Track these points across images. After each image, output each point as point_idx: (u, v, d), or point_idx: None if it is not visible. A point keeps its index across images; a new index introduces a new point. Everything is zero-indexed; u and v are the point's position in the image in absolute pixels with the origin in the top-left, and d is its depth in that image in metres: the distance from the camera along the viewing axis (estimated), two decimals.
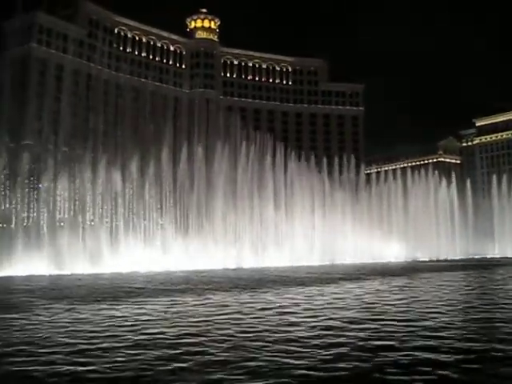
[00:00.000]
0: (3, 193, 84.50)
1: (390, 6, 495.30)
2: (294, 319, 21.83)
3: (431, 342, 16.26)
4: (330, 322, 20.73)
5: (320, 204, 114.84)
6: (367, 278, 51.42)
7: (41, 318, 23.21)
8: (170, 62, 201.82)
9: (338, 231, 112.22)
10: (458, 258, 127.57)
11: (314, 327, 19.46)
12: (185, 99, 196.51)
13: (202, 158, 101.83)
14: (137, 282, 48.86)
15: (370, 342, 16.33)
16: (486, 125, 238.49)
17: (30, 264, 67.80)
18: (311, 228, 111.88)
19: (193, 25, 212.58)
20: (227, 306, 27.20)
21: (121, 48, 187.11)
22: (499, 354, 14.69)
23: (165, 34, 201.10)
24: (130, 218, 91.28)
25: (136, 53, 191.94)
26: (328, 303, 27.65)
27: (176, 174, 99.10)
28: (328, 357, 14.30)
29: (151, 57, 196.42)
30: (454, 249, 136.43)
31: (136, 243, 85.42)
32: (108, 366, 13.59)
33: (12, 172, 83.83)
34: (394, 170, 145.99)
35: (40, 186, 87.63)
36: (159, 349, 15.72)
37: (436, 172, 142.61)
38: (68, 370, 13.34)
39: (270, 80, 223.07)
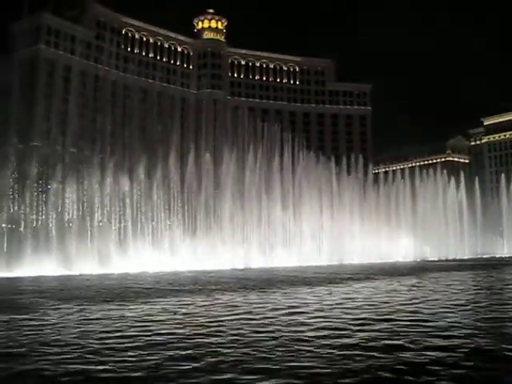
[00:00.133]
0: (12, 196, 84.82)
1: (390, 6, 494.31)
2: (304, 319, 21.80)
3: (442, 342, 16.20)
4: (341, 322, 20.69)
5: (328, 204, 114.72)
6: (376, 277, 51.29)
7: (51, 318, 23.28)
8: (178, 63, 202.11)
9: (346, 231, 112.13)
10: (466, 257, 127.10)
11: (324, 328, 19.42)
12: (192, 100, 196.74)
13: (209, 161, 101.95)
14: (145, 282, 48.94)
15: (381, 342, 16.28)
16: (493, 124, 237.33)
17: (38, 265, 68.10)
18: (319, 228, 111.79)
19: (200, 25, 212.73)
20: (237, 306, 27.18)
21: (128, 49, 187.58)
22: (510, 353, 14.64)
23: (172, 34, 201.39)
24: (138, 219, 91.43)
25: (143, 54, 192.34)
26: (337, 303, 27.59)
27: (184, 174, 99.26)
28: (339, 357, 14.28)
29: (158, 57, 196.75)
30: (463, 248, 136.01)
31: (144, 244, 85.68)
32: (119, 365, 13.61)
33: (21, 174, 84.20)
34: (402, 170, 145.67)
35: (49, 187, 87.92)
36: (170, 349, 15.72)
37: (444, 171, 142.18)
38: (79, 369, 13.38)
39: (278, 80, 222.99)
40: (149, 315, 23.74)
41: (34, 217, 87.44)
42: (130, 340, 17.24)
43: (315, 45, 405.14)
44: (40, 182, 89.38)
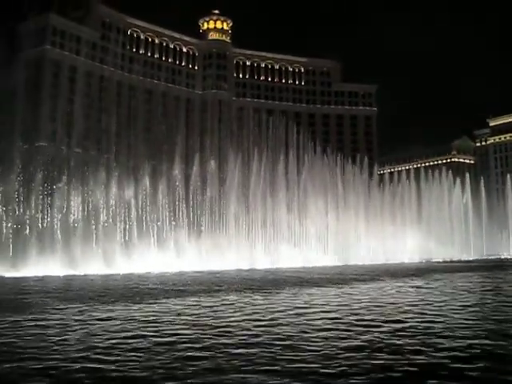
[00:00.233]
0: (17, 199, 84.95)
1: (389, 6, 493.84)
2: (310, 320, 21.73)
3: (450, 343, 16.11)
4: (347, 323, 20.62)
5: (333, 204, 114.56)
6: (382, 278, 51.17)
7: (57, 318, 23.28)
8: (183, 64, 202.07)
9: (351, 232, 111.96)
10: (472, 258, 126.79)
11: (331, 329, 19.37)
12: (197, 100, 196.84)
13: (214, 167, 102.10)
14: (150, 283, 48.93)
15: (388, 343, 16.22)
16: (499, 124, 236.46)
17: (44, 265, 68.24)
18: (324, 229, 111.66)
19: (205, 26, 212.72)
20: (243, 306, 27.14)
21: (133, 49, 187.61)
22: None
23: (177, 35, 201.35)
24: (143, 220, 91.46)
25: (148, 54, 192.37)
26: (343, 304, 27.53)
27: (189, 175, 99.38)
28: (346, 358, 14.22)
29: (164, 58, 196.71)
30: (469, 249, 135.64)
31: (149, 245, 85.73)
32: (126, 365, 13.59)
33: (26, 174, 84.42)
34: (408, 171, 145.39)
35: (54, 187, 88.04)
36: (178, 350, 15.68)
37: (450, 172, 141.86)
38: (87, 368, 13.39)
39: (283, 81, 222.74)
40: (154, 316, 23.70)
41: (40, 215, 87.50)
42: (137, 340, 17.21)
43: (315, 45, 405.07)
44: (45, 182, 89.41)
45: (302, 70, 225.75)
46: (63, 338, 17.95)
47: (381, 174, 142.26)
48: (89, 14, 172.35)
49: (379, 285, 43.17)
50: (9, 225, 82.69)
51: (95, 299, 31.54)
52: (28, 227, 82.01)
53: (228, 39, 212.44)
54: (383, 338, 17.09)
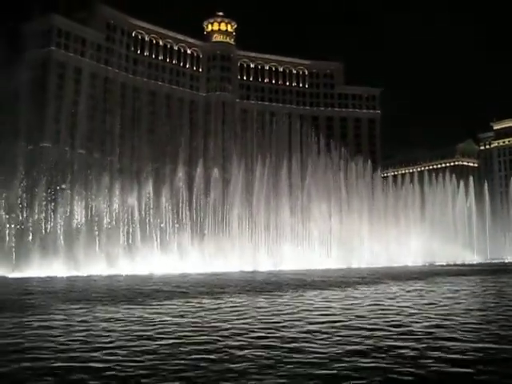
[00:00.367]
0: (20, 204, 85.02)
1: (389, 6, 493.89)
2: (313, 323, 21.72)
3: (454, 346, 16.09)
4: (351, 327, 20.60)
5: (336, 207, 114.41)
6: (385, 282, 51.10)
7: (61, 318, 23.31)
8: (187, 65, 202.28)
9: (354, 235, 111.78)
10: (475, 262, 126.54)
11: (335, 332, 19.35)
12: (201, 102, 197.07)
13: (218, 171, 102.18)
14: (154, 284, 48.95)
15: (393, 346, 16.19)
16: (503, 128, 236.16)
17: (47, 266, 68.34)
18: (328, 232, 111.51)
19: (209, 28, 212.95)
20: (247, 308, 27.12)
21: (138, 51, 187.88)
22: None
23: (181, 37, 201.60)
24: (146, 223, 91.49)
25: (153, 56, 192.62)
26: (346, 308, 27.49)
27: (192, 177, 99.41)
28: (351, 361, 14.21)
29: (168, 60, 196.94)
30: (472, 253, 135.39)
31: (152, 247, 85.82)
32: (130, 365, 13.61)
33: (30, 175, 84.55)
34: (411, 174, 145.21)
35: (58, 188, 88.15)
36: (182, 352, 15.68)
37: (453, 175, 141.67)
38: (90, 368, 13.43)
39: (287, 83, 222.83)
40: (158, 317, 23.70)
41: (43, 215, 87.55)
42: (140, 341, 17.22)
43: (316, 46, 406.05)
44: (49, 188, 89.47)
45: (306, 72, 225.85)
46: (67, 338, 17.97)
47: (384, 177, 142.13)
48: (93, 16, 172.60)
49: (382, 288, 43.10)
50: (12, 230, 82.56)
51: (99, 300, 31.57)
52: (31, 233, 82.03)
53: (232, 41, 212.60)
54: (387, 342, 17.06)
